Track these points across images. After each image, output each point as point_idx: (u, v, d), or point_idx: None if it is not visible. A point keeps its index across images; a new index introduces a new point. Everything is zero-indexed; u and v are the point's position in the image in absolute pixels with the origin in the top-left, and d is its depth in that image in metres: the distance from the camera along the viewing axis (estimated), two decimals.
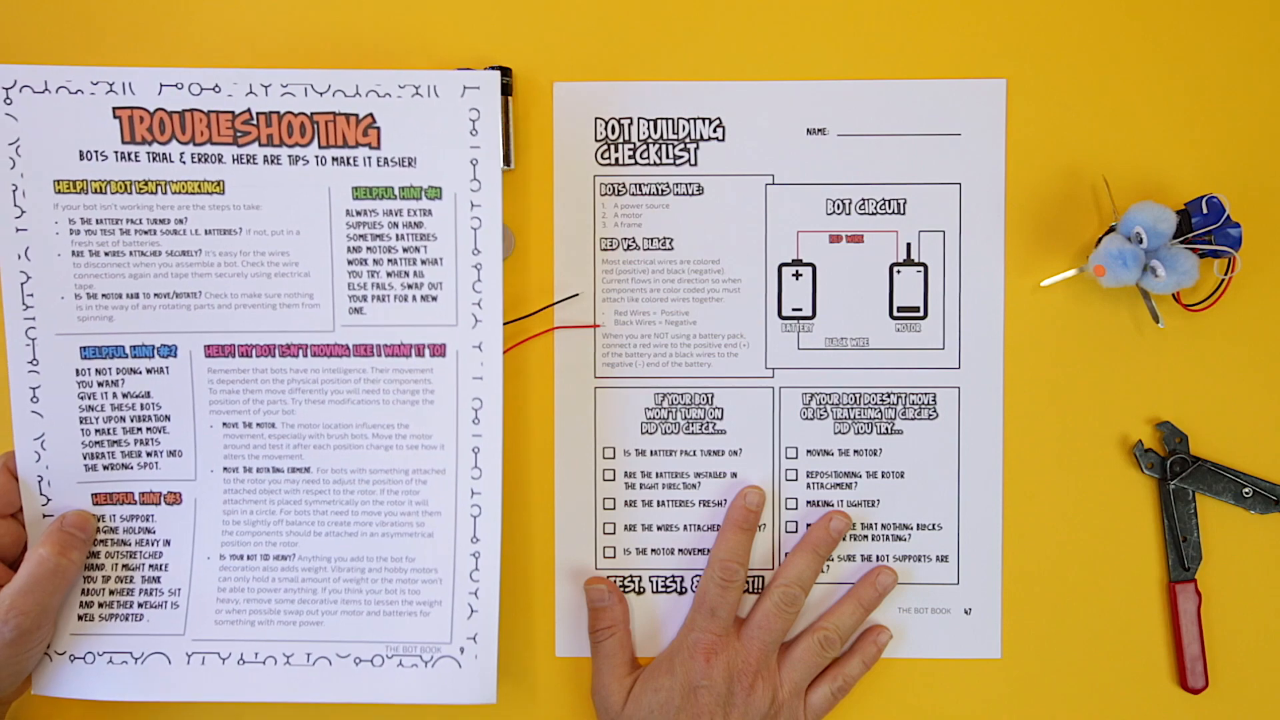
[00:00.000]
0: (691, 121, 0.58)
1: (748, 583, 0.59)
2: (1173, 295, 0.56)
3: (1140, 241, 0.54)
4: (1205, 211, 0.54)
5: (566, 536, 0.59)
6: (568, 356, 0.59)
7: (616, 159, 0.58)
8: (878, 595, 0.58)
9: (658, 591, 0.59)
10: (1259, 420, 0.59)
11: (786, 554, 0.59)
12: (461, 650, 0.57)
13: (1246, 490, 0.58)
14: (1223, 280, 0.56)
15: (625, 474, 0.59)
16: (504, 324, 0.58)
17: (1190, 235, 0.55)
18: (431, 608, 0.57)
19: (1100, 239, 0.56)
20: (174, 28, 0.58)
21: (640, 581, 0.60)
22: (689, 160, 0.58)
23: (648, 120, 0.58)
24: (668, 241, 0.59)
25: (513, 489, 0.59)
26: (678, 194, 0.58)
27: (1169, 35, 0.58)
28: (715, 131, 0.58)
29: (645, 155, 0.58)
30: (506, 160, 0.57)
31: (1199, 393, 0.59)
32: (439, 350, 0.56)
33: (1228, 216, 0.54)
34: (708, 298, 0.59)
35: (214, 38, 0.58)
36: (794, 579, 0.57)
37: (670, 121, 0.58)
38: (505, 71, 0.57)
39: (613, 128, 0.58)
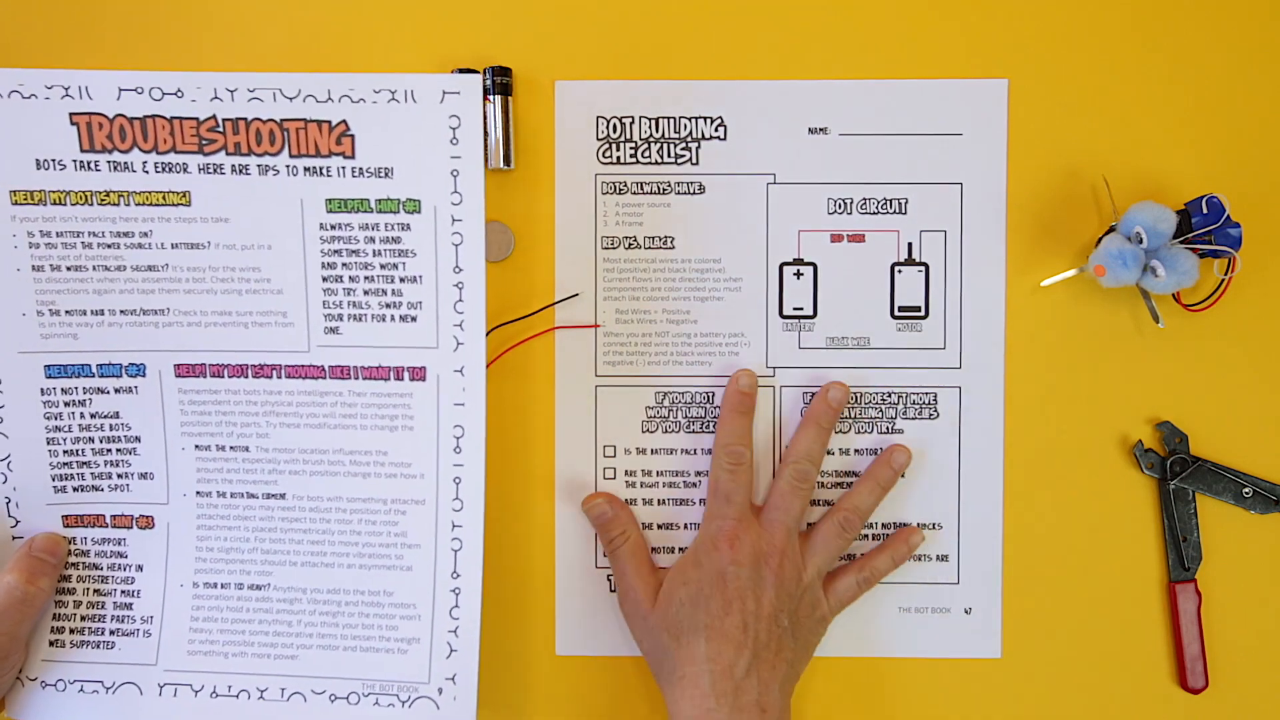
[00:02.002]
0: (693, 120, 0.58)
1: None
2: (1173, 295, 0.56)
3: (1140, 241, 0.54)
4: (1205, 211, 0.54)
5: (567, 535, 0.59)
6: (568, 356, 0.59)
7: (618, 158, 0.58)
8: (894, 473, 0.58)
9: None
10: (1259, 420, 0.58)
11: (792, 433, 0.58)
12: (440, 691, 0.55)
13: (1246, 490, 0.58)
14: (1223, 280, 0.56)
15: (626, 472, 0.59)
16: (504, 324, 0.57)
17: (1190, 235, 0.54)
18: (410, 645, 0.55)
19: (1100, 239, 0.56)
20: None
21: None
22: (690, 159, 0.58)
23: (649, 119, 0.58)
24: (669, 240, 0.59)
25: (513, 488, 0.59)
26: (679, 193, 0.58)
27: (1169, 35, 0.58)
28: (717, 130, 0.58)
29: (646, 154, 0.58)
30: (507, 160, 0.57)
31: (1199, 393, 0.58)
32: (419, 374, 0.55)
33: (1228, 216, 0.54)
34: (709, 297, 0.59)
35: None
36: (803, 454, 0.57)
37: (672, 120, 0.58)
38: (505, 71, 0.56)
39: (614, 126, 0.58)
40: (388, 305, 0.55)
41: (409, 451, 0.55)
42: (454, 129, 0.53)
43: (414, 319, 0.54)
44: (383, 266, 0.54)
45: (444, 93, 0.53)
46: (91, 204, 0.54)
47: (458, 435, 0.55)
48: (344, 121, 0.53)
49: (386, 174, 0.54)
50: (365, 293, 0.54)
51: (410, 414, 0.55)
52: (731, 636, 0.53)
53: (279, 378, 0.55)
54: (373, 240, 0.54)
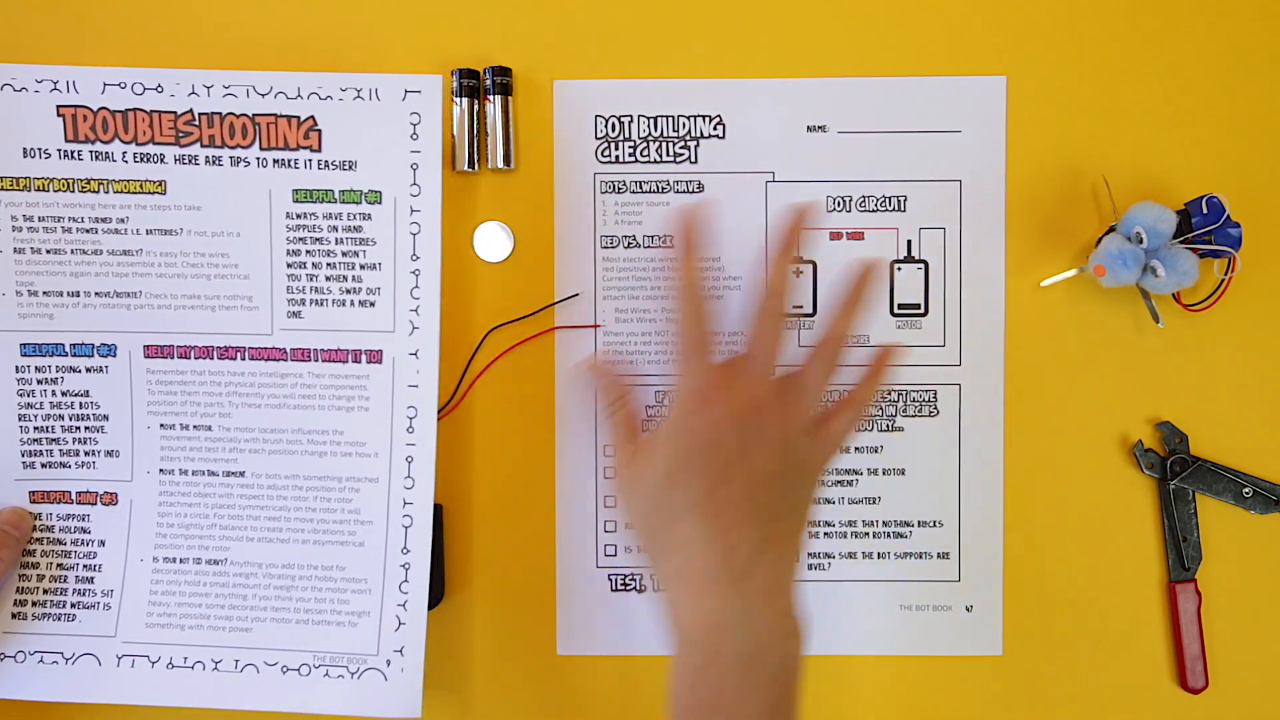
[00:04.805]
0: (691, 119, 0.58)
1: None
2: (1173, 295, 0.56)
3: (1140, 241, 0.54)
4: (1205, 211, 0.54)
5: (567, 535, 0.59)
6: (568, 355, 0.59)
7: (616, 157, 0.58)
8: (866, 285, 0.53)
9: (658, 590, 0.59)
10: (1259, 420, 0.58)
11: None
12: (388, 663, 0.56)
13: (1246, 490, 0.58)
14: (1223, 280, 0.56)
15: None
16: (504, 324, 0.58)
17: (1190, 235, 0.54)
18: (360, 618, 0.56)
19: (1100, 239, 0.56)
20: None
21: (640, 580, 0.59)
22: (689, 158, 0.58)
23: (648, 118, 0.58)
24: (669, 239, 0.59)
25: (513, 488, 0.59)
26: (678, 191, 0.58)
27: (1169, 35, 0.58)
28: (715, 129, 0.58)
29: (645, 153, 0.58)
30: (507, 160, 0.57)
31: (1199, 393, 0.58)
32: (375, 356, 0.56)
33: (1228, 216, 0.54)
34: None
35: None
36: (775, 290, 0.52)
37: (670, 119, 0.58)
38: (505, 71, 0.57)
39: (613, 125, 0.58)
40: (348, 291, 0.56)
41: (364, 431, 0.56)
42: (414, 125, 0.56)
43: (372, 304, 0.56)
44: (344, 254, 0.56)
45: (406, 91, 0.56)
46: (73, 191, 0.56)
47: (411, 416, 0.56)
48: (312, 117, 0.56)
49: (350, 166, 0.56)
50: (327, 278, 0.56)
51: (366, 395, 0.56)
52: (727, 512, 0.47)
53: (243, 359, 0.57)
54: (336, 229, 0.56)
